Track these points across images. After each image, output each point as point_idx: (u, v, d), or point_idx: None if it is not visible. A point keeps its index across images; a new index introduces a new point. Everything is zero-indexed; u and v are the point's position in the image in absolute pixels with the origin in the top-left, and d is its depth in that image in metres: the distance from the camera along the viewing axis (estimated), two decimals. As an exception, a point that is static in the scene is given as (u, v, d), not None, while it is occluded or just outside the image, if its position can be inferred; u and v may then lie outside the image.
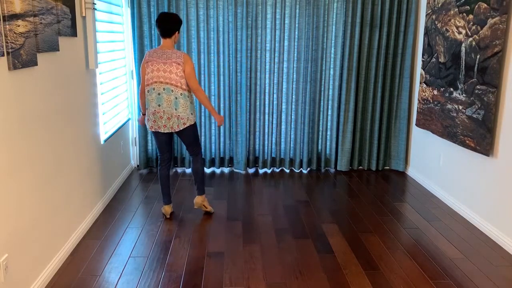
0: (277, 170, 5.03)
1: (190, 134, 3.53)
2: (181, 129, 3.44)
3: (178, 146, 4.93)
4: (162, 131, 3.45)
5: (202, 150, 4.93)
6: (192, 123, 3.48)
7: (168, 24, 3.36)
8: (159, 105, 3.39)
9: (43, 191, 2.68)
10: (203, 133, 4.90)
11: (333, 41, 4.75)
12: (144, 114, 3.65)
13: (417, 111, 4.57)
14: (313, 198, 4.16)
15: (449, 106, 3.93)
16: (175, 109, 3.39)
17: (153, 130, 3.46)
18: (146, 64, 3.40)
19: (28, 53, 2.38)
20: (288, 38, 4.72)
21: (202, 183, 3.68)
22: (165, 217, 3.69)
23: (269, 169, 5.05)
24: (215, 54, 4.71)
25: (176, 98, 3.37)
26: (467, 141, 3.65)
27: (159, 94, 3.38)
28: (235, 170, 5.00)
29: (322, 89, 4.85)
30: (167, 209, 3.67)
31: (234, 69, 4.73)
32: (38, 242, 2.60)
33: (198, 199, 3.69)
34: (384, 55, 4.74)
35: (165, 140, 3.55)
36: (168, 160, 3.63)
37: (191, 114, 3.46)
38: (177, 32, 3.43)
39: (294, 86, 4.83)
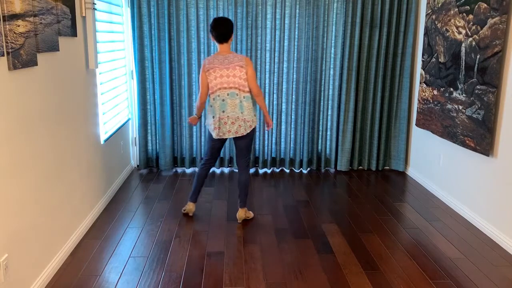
0: (277, 170, 5.03)
1: (248, 140, 3.48)
2: (248, 132, 3.40)
3: (177, 146, 4.93)
4: (227, 137, 3.40)
5: (203, 150, 4.94)
6: (256, 124, 3.46)
7: (225, 29, 3.32)
8: (223, 111, 3.36)
9: (43, 191, 2.68)
10: (203, 133, 4.90)
11: (333, 41, 4.75)
12: (199, 117, 3.61)
13: (417, 111, 4.57)
14: (313, 198, 4.16)
15: (449, 106, 3.93)
16: (241, 113, 3.36)
17: (219, 137, 3.42)
18: (208, 72, 3.35)
19: (28, 53, 2.38)
20: (288, 38, 4.72)
21: (247, 195, 3.60)
22: (187, 215, 3.70)
23: (269, 169, 5.05)
24: (215, 54, 4.71)
25: (240, 101, 3.35)
26: (467, 141, 3.65)
27: (223, 100, 3.35)
28: (235, 170, 5.00)
29: (322, 89, 4.85)
30: (191, 207, 3.66)
31: (234, 69, 4.72)
32: (38, 242, 2.60)
33: (241, 213, 3.59)
34: (384, 55, 4.74)
35: (218, 146, 3.57)
36: (212, 163, 3.64)
37: (254, 115, 3.44)
38: (232, 35, 3.39)
39: (294, 86, 4.83)
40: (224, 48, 3.38)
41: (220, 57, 3.35)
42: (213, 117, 3.40)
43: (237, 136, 3.41)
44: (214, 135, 3.43)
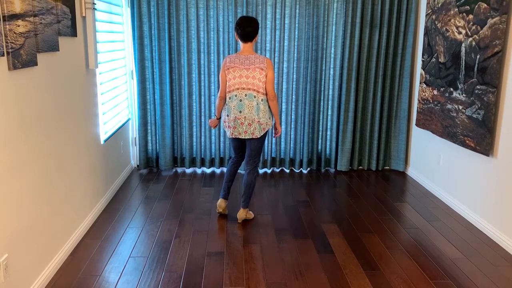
0: (277, 170, 5.03)
1: (260, 142, 3.47)
2: (262, 134, 3.40)
3: (177, 146, 4.93)
4: (243, 137, 3.40)
5: (203, 150, 4.94)
6: (270, 127, 3.46)
7: (250, 28, 3.28)
8: (240, 112, 3.34)
9: (43, 191, 2.68)
10: (203, 133, 4.90)
11: (333, 41, 4.75)
12: (218, 118, 3.60)
13: (417, 111, 4.57)
14: (313, 198, 4.16)
15: (449, 106, 3.93)
16: (257, 115, 3.35)
17: (233, 136, 3.41)
18: (227, 71, 3.34)
19: (28, 53, 2.38)
20: (288, 38, 4.72)
21: (250, 197, 3.58)
22: (218, 212, 3.70)
23: (269, 169, 5.05)
24: (215, 54, 4.71)
25: (257, 104, 3.34)
26: (467, 141, 3.65)
27: (240, 100, 3.33)
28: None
29: (322, 89, 4.85)
30: (222, 203, 3.65)
31: (234, 69, 4.72)
32: (38, 242, 2.60)
33: (242, 213, 3.57)
34: (384, 55, 4.74)
35: (237, 145, 3.58)
36: (240, 161, 3.66)
37: (269, 118, 3.43)
38: (256, 35, 3.36)
39: (294, 86, 4.83)
40: (247, 48, 3.36)
41: (242, 57, 3.33)
42: (228, 115, 3.40)
43: (252, 138, 3.42)
44: (228, 134, 3.43)
